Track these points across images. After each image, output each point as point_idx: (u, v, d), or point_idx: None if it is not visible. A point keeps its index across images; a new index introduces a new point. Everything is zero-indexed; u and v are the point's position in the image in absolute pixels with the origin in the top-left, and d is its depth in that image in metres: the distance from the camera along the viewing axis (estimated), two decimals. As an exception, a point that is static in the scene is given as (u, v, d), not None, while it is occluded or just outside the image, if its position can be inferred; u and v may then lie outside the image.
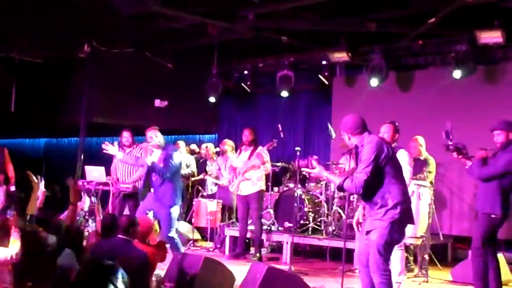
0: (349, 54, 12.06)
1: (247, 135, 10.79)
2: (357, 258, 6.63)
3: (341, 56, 12.22)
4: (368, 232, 6.38)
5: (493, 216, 7.44)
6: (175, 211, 9.29)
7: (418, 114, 11.81)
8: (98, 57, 13.61)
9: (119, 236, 6.70)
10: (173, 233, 9.23)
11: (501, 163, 7.43)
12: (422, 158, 10.24)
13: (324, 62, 12.83)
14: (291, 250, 10.25)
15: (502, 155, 7.48)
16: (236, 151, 11.62)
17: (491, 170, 7.50)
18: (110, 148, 9.56)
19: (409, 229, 9.03)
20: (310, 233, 11.02)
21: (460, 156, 7.70)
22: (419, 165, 9.79)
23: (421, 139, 10.41)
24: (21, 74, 14.47)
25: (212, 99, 13.91)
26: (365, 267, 6.44)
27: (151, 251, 7.01)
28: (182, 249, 9.51)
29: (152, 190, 9.39)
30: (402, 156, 8.00)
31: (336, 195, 11.02)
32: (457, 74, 11.07)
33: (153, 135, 9.32)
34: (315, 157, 10.58)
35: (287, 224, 11.03)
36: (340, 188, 6.88)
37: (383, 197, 6.24)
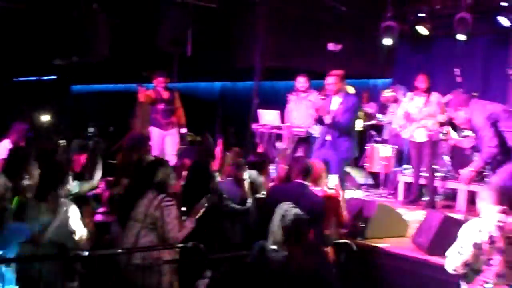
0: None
1: (423, 81, 10.49)
2: None
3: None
4: None
5: None
6: (347, 163, 9.39)
7: None
8: (272, 0, 13.67)
9: (296, 180, 6.74)
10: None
11: None
12: None
13: (504, 4, 12.20)
14: (467, 199, 10.00)
15: None
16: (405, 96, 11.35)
17: None
18: None
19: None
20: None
21: None
22: None
23: None
24: (196, 19, 14.74)
25: (387, 43, 13.60)
26: None
27: (325, 197, 7.00)
28: None
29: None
30: None
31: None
32: None
33: (333, 81, 9.35)
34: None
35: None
36: None
37: None
